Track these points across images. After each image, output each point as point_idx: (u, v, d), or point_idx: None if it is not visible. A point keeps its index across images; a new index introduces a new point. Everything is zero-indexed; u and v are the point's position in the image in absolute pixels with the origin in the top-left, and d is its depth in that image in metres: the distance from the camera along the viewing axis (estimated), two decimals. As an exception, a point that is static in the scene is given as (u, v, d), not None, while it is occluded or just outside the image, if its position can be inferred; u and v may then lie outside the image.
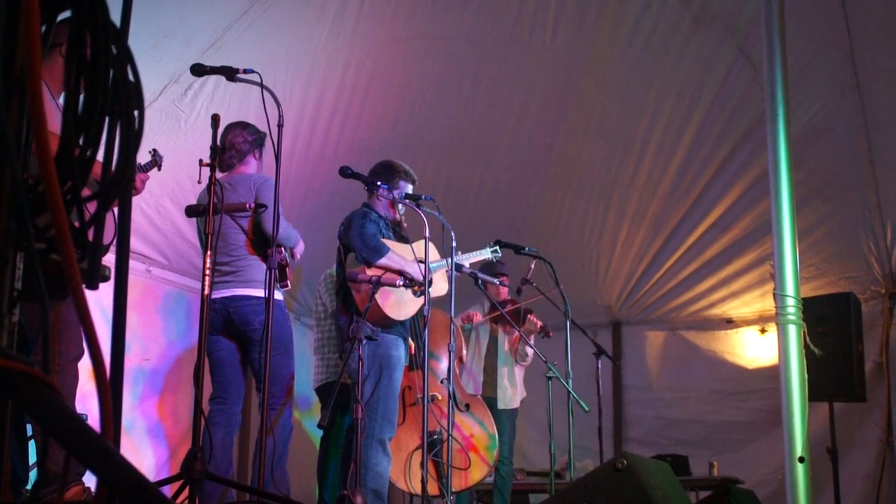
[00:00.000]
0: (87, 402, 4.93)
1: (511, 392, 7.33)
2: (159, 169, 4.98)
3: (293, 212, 7.55)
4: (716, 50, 7.43)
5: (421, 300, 5.33)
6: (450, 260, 5.37)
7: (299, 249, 5.33)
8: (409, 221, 5.73)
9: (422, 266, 5.25)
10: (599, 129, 8.36)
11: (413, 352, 5.84)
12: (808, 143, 7.59)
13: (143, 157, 4.89)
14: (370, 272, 5.21)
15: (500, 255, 6.68)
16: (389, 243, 5.37)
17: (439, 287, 5.66)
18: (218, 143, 4.37)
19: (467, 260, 6.16)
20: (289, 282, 5.12)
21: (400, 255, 5.36)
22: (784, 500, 5.10)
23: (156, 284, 7.51)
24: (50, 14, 1.39)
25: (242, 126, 5.28)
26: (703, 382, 9.37)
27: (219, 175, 5.00)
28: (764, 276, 8.43)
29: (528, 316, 7.19)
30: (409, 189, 5.65)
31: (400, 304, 5.32)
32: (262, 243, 5.01)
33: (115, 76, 1.43)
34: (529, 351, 7.18)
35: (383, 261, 5.25)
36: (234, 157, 5.18)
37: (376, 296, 5.12)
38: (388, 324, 5.30)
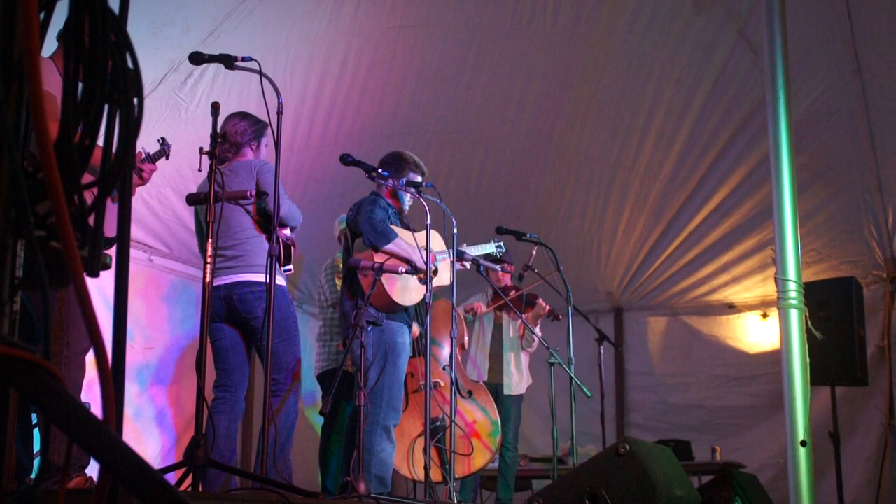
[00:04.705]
0: (89, 390, 4.93)
1: (517, 378, 7.35)
2: (167, 158, 4.96)
3: (294, 199, 7.52)
4: (716, 35, 7.41)
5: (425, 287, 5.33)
6: (453, 247, 5.39)
7: (298, 213, 5.28)
8: (411, 209, 5.72)
9: (425, 253, 5.24)
10: (600, 116, 8.35)
11: (417, 336, 5.84)
12: (809, 128, 7.59)
13: (151, 146, 4.88)
14: (377, 256, 5.21)
15: (504, 250, 6.72)
16: (396, 230, 5.37)
17: (444, 276, 5.67)
18: (221, 130, 4.35)
19: (471, 252, 6.16)
20: (291, 266, 5.10)
21: (407, 242, 5.36)
22: (786, 484, 5.12)
23: (158, 273, 7.52)
24: (48, 1, 1.39)
25: (241, 117, 5.20)
26: (705, 367, 9.38)
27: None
28: (765, 261, 8.44)
29: (536, 300, 7.22)
30: (418, 180, 5.62)
31: (406, 290, 5.32)
32: (270, 224, 4.97)
33: (114, 64, 1.43)
34: (536, 336, 7.19)
35: (390, 246, 5.25)
36: (229, 151, 5.10)
37: (383, 281, 5.11)
38: (393, 309, 5.30)
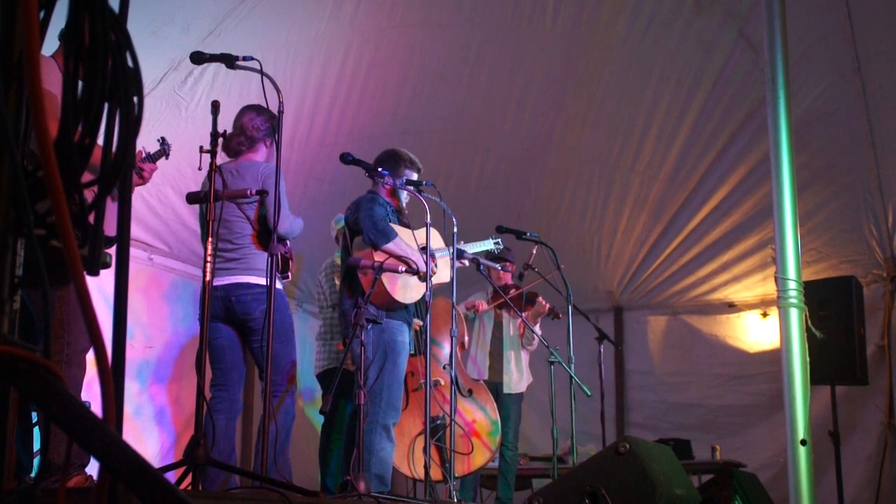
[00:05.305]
0: (89, 389, 4.92)
1: (517, 377, 7.34)
2: (167, 157, 4.96)
3: (294, 199, 7.53)
4: (716, 35, 7.41)
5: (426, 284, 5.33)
6: (452, 246, 5.39)
7: (298, 224, 5.25)
8: (410, 208, 5.73)
9: (425, 255, 5.24)
10: (600, 116, 8.35)
11: (418, 329, 5.83)
12: (809, 127, 7.59)
13: (151, 144, 4.88)
14: (376, 254, 5.20)
15: (501, 246, 6.72)
16: (396, 228, 5.37)
17: (443, 274, 5.67)
18: (221, 128, 4.33)
19: (469, 251, 6.17)
20: (290, 274, 5.10)
21: (406, 242, 5.36)
22: (786, 483, 5.12)
23: (158, 272, 7.52)
24: (48, 0, 1.39)
25: (257, 111, 5.14)
26: (705, 366, 9.38)
27: (226, 161, 4.98)
28: (765, 260, 8.43)
29: (537, 298, 7.21)
30: (414, 178, 5.63)
31: (406, 288, 5.32)
32: (268, 235, 4.97)
33: (115, 63, 1.43)
34: (536, 334, 7.18)
35: (390, 246, 5.24)
36: (243, 144, 5.07)
37: (384, 280, 5.11)
38: (393, 307, 5.30)
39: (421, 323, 5.55)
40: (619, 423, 9.62)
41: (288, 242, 5.05)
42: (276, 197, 4.46)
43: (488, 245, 6.54)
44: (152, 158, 4.77)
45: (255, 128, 5.09)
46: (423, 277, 5.22)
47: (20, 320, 1.36)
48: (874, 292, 8.51)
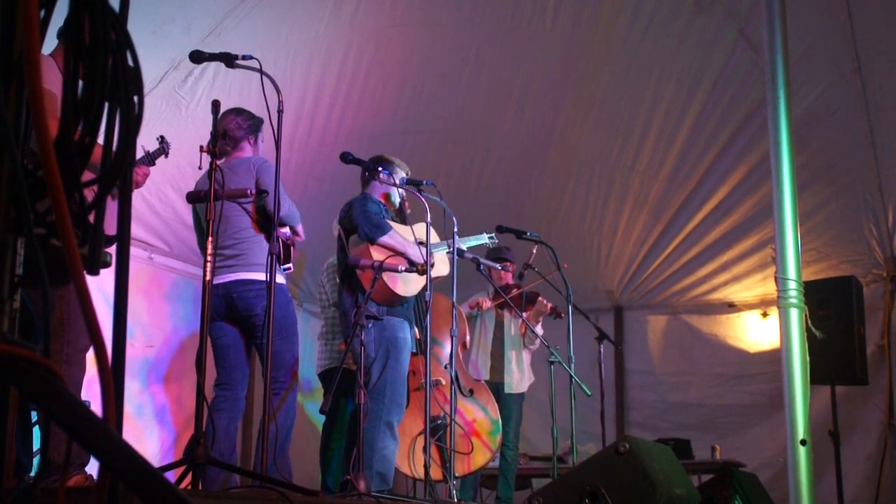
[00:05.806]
0: (89, 388, 4.92)
1: (518, 377, 7.34)
2: (166, 156, 4.97)
3: (294, 199, 7.51)
4: (716, 35, 7.42)
5: (425, 277, 5.33)
6: (451, 244, 5.38)
7: (300, 229, 5.30)
8: (412, 208, 5.73)
9: (422, 248, 5.24)
10: (600, 115, 8.35)
11: (419, 338, 5.83)
12: (809, 127, 7.59)
13: (151, 144, 4.89)
14: (373, 251, 5.20)
15: (497, 241, 6.71)
16: (391, 224, 5.38)
17: (440, 268, 5.67)
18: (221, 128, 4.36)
19: (464, 245, 6.16)
20: (291, 265, 5.10)
21: (402, 236, 5.37)
22: (786, 482, 5.12)
23: (158, 271, 7.52)
24: (48, -1, 1.39)
25: (237, 112, 5.23)
26: (705, 366, 9.38)
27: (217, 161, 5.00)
28: (765, 260, 8.43)
29: (538, 298, 7.21)
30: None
31: (407, 282, 5.32)
32: (268, 223, 4.98)
33: (115, 62, 1.43)
34: (538, 333, 7.17)
35: (385, 239, 5.25)
36: (228, 144, 5.13)
37: (384, 276, 5.11)
38: (394, 303, 5.30)
39: (419, 335, 5.56)
40: (619, 423, 9.62)
41: (288, 229, 5.06)
42: (276, 196, 4.46)
43: (483, 239, 6.53)
44: (151, 157, 4.78)
45: (236, 127, 5.16)
46: (422, 271, 5.21)
47: (20, 320, 1.36)
48: (874, 292, 8.52)
